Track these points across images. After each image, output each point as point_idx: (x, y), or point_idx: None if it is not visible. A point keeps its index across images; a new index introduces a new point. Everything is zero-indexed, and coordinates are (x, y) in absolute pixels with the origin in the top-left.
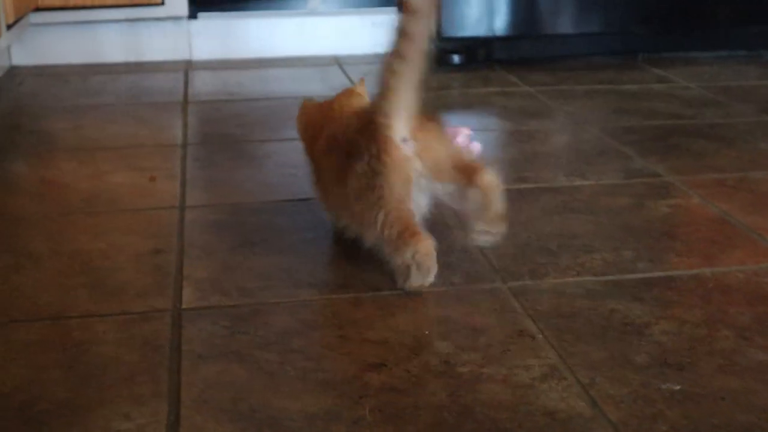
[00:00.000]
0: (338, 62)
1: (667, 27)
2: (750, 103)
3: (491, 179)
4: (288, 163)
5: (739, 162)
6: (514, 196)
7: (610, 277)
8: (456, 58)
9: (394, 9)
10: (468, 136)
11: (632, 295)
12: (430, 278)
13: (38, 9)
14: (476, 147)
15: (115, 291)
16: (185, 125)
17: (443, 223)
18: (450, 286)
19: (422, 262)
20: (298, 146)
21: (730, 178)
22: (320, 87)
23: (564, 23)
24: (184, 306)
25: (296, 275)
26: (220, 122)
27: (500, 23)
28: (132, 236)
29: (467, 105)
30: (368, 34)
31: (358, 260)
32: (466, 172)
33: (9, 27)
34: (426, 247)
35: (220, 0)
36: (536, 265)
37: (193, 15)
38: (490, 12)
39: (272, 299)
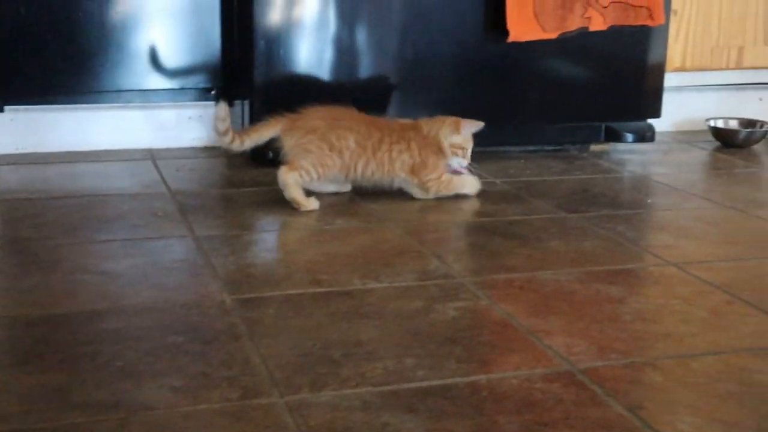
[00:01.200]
0: (153, 156)
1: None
2: (549, 199)
3: None
4: (80, 269)
5: (529, 261)
6: (306, 302)
7: (388, 387)
8: (270, 154)
9: (210, 103)
10: None
11: (408, 406)
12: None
13: None
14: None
15: None
16: None
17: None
18: (226, 402)
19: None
20: (94, 249)
21: (519, 279)
22: (128, 183)
23: None
24: None
25: (67, 396)
26: (16, 223)
27: None
28: None
29: (275, 202)
30: (184, 128)
31: (136, 374)
32: None
33: None
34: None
35: (29, 92)
36: (317, 376)
37: None
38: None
39: (35, 425)
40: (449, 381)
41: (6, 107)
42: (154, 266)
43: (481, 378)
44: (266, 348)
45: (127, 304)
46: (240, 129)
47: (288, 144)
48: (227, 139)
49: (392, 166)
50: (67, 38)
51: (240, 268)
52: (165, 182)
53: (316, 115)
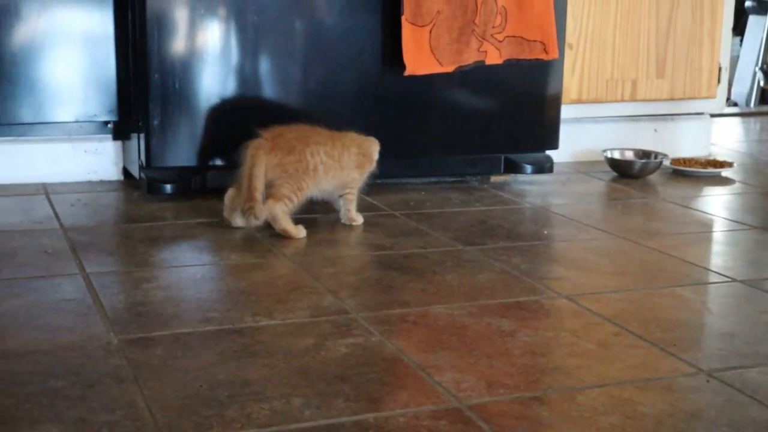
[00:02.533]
0: (46, 190)
1: (380, 154)
2: (447, 231)
3: None
4: None
5: (424, 295)
6: (195, 340)
7: (274, 428)
8: (168, 188)
9: (106, 136)
10: None
11: None
12: None
13: None
14: None
15: None
16: None
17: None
18: None
19: None
20: None
21: (413, 313)
22: (19, 219)
23: None
24: None
25: None
26: None
27: (215, 152)
28: None
29: (173, 237)
30: (80, 162)
31: (12, 421)
32: None
33: None
34: None
35: None
36: (201, 419)
37: None
38: (204, 140)
39: None
40: (336, 420)
41: None
42: (40, 306)
43: (369, 417)
44: (151, 390)
45: (8, 347)
46: (242, 194)
47: (271, 163)
48: (251, 220)
49: (348, 176)
50: None
51: (129, 306)
52: (58, 218)
53: (289, 135)
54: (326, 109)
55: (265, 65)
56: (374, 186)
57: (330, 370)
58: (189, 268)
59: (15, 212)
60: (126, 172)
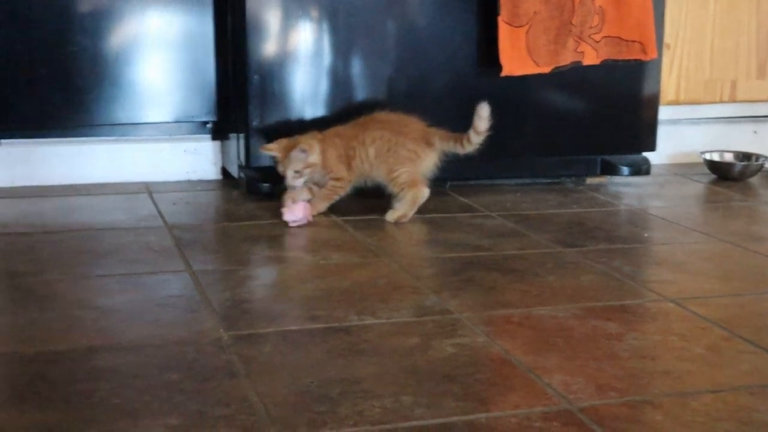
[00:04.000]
0: (149, 189)
1: (474, 155)
2: (545, 233)
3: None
4: (76, 305)
5: (527, 297)
6: (303, 338)
7: (387, 426)
8: (265, 187)
9: (206, 137)
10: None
11: None
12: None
13: None
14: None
15: None
16: None
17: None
18: None
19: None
20: (90, 285)
21: (517, 315)
22: (124, 217)
23: None
24: None
25: None
26: (11, 258)
27: None
28: None
29: (273, 236)
30: (180, 161)
31: (133, 413)
32: None
33: None
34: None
35: (23, 126)
36: (314, 415)
37: None
38: None
39: None
40: (447, 420)
41: (2, 140)
42: (150, 302)
43: (480, 417)
44: (263, 386)
45: (123, 340)
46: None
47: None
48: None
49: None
50: (62, 72)
51: (236, 303)
52: (161, 216)
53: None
54: (419, 110)
55: (358, 66)
56: (469, 187)
57: (438, 369)
58: (291, 267)
59: (120, 210)
60: (224, 171)
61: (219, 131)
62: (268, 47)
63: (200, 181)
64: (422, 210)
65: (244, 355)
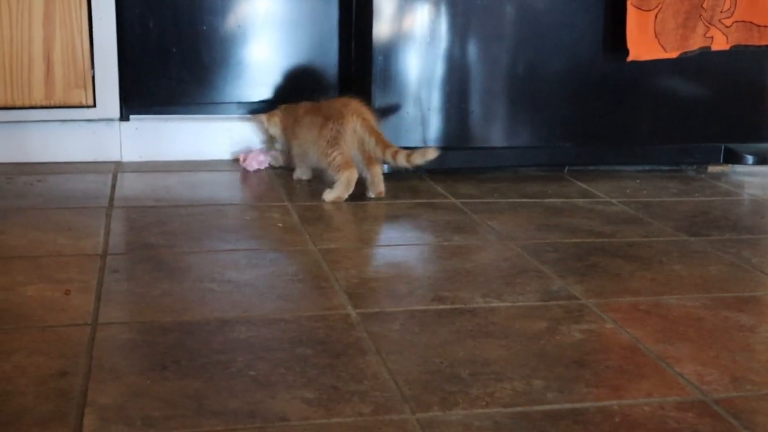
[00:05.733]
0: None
1: (593, 140)
2: (669, 221)
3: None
4: (207, 277)
5: (654, 285)
6: (430, 318)
7: (518, 409)
8: (386, 168)
9: None
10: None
11: (539, 429)
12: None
13: None
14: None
15: (12, 419)
16: (107, 233)
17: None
18: (359, 417)
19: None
20: (220, 258)
21: (645, 303)
22: (248, 194)
23: (494, 136)
24: None
25: (204, 403)
26: (144, 230)
27: (431, 134)
28: (38, 356)
29: (393, 217)
30: None
31: (269, 385)
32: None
33: None
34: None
35: (152, 103)
36: (446, 394)
37: (125, 117)
38: (422, 123)
39: (176, 430)
40: (579, 405)
41: (131, 116)
42: (279, 277)
43: (613, 403)
44: (394, 363)
45: (256, 314)
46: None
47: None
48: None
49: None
50: (191, 50)
51: (362, 281)
52: (285, 194)
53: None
54: (536, 94)
55: (476, 49)
56: (588, 173)
57: (567, 354)
58: (415, 247)
59: (242, 187)
60: None
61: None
62: (391, 29)
63: None
64: (540, 195)
65: (373, 333)
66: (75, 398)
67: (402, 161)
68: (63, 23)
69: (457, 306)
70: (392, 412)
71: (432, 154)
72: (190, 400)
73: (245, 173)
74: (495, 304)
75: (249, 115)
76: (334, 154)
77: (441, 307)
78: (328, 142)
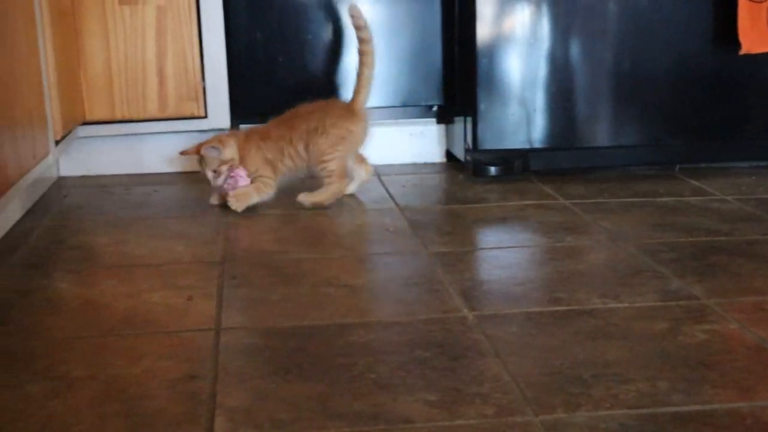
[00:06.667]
0: (377, 172)
1: (704, 137)
2: None
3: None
4: (322, 282)
5: None
6: (547, 320)
7: (644, 411)
8: (492, 170)
9: (431, 120)
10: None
11: (666, 431)
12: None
13: (85, 123)
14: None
15: (149, 420)
16: (225, 239)
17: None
18: (482, 419)
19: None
20: (334, 263)
21: None
22: (364, 198)
23: (600, 135)
24: None
25: (328, 405)
26: (259, 236)
27: (537, 135)
28: (167, 360)
29: (503, 219)
30: (405, 145)
31: (391, 387)
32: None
33: (57, 143)
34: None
35: (260, 111)
36: (569, 396)
37: (234, 126)
38: (527, 124)
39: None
40: (708, 407)
41: (241, 126)
42: (393, 281)
43: (742, 405)
44: (514, 366)
45: (373, 318)
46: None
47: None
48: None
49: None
50: (296, 59)
51: (476, 284)
52: (392, 198)
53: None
54: (643, 92)
55: (579, 48)
56: (700, 170)
57: (691, 355)
58: (526, 249)
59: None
60: (448, 154)
61: (443, 115)
62: (494, 31)
63: (425, 164)
64: (651, 194)
65: (490, 335)
66: (204, 401)
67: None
68: (174, 37)
69: (574, 307)
70: (515, 414)
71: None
72: (314, 402)
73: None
74: (613, 305)
75: None
76: (333, 155)
77: (557, 308)
78: (332, 144)
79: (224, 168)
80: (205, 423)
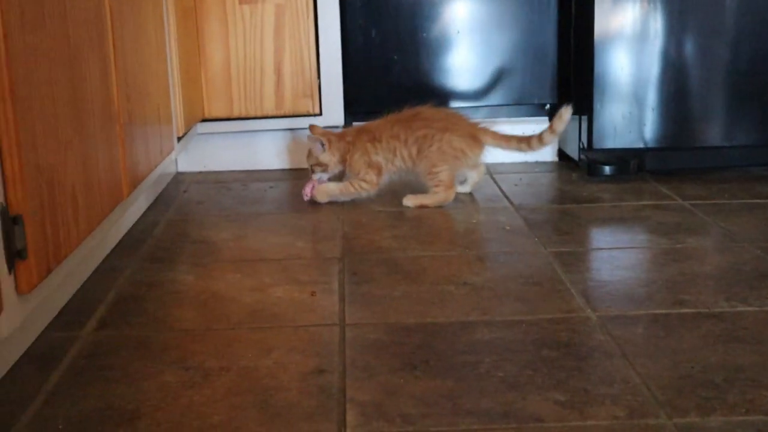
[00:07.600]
0: (489, 170)
1: None
2: None
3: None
4: (443, 280)
5: None
6: (673, 322)
7: None
8: (607, 169)
9: (543, 119)
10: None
11: None
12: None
13: (204, 120)
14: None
15: (282, 412)
16: (343, 236)
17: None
18: (614, 420)
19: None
20: (454, 261)
21: None
22: (478, 196)
23: (717, 135)
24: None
25: (457, 402)
26: (376, 232)
27: (652, 134)
28: (295, 354)
29: (620, 219)
30: None
31: (519, 386)
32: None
33: (179, 139)
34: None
35: (373, 109)
36: (702, 400)
37: (348, 123)
38: (642, 123)
39: (434, 428)
40: None
41: (354, 123)
42: (513, 280)
43: None
44: (643, 367)
45: (497, 316)
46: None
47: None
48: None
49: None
50: (412, 57)
51: (598, 285)
52: (506, 196)
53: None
54: (760, 92)
55: (692, 46)
56: None
57: None
58: (646, 250)
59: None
60: (560, 153)
61: (555, 113)
62: (610, 30)
63: (537, 163)
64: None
65: (616, 336)
66: (335, 395)
67: (547, 139)
68: (292, 35)
69: (701, 310)
70: (648, 417)
71: (567, 113)
72: (443, 399)
73: None
74: (741, 308)
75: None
76: (442, 167)
77: (684, 311)
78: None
79: (314, 175)
80: (337, 417)
